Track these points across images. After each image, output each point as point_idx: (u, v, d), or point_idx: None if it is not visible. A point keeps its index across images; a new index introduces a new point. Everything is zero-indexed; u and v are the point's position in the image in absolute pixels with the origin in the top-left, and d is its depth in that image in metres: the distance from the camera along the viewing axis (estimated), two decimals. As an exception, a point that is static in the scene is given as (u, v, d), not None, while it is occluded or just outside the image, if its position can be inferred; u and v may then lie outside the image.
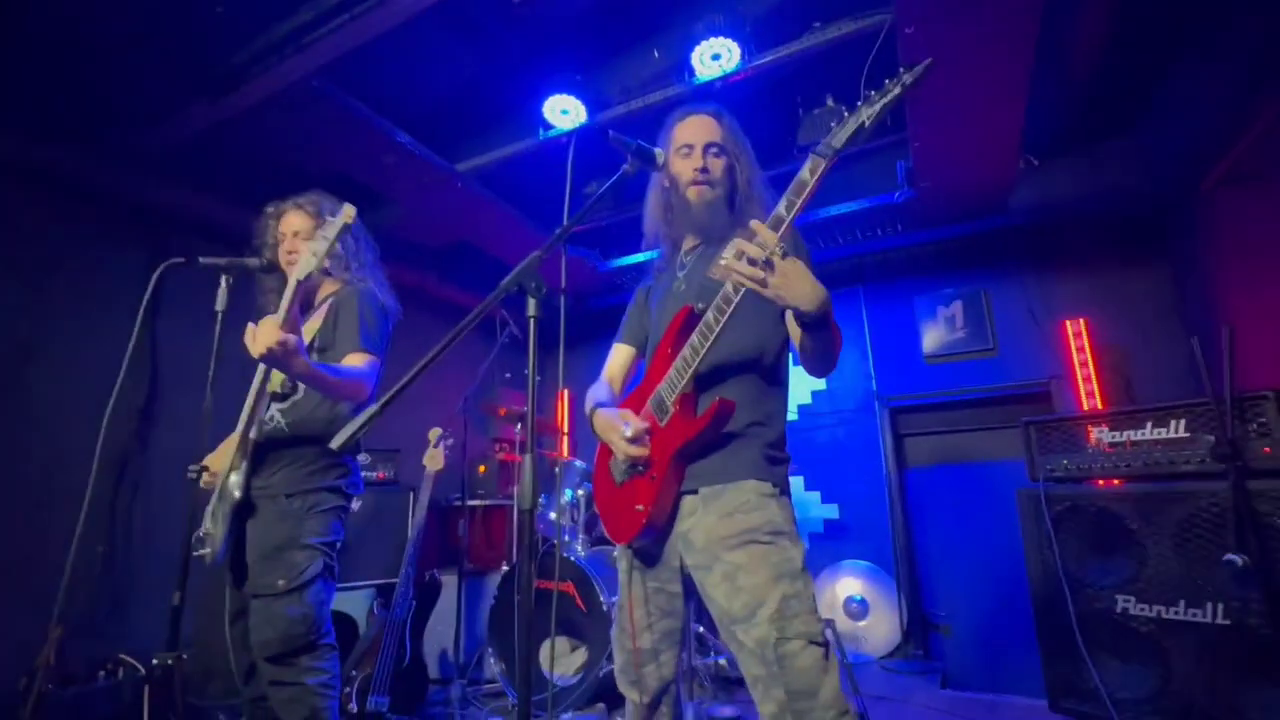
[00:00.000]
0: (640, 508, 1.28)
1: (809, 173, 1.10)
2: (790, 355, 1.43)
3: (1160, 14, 2.49)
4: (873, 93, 1.09)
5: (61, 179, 2.62)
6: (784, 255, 1.07)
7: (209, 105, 2.48)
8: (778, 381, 1.39)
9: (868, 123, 1.09)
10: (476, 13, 2.51)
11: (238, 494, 1.73)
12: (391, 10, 2.08)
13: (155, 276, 1.77)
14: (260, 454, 1.78)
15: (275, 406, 1.83)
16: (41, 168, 2.55)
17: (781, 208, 1.12)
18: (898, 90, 1.07)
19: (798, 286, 1.08)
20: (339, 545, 1.84)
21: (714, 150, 1.46)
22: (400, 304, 2.03)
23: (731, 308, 1.18)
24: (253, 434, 1.77)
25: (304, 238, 1.86)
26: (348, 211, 1.50)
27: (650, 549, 1.35)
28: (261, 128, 2.64)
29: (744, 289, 1.12)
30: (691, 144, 1.45)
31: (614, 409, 1.39)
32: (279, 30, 2.20)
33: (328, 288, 1.97)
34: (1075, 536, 2.20)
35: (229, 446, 1.94)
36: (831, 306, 1.12)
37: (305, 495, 1.76)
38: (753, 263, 1.06)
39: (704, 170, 1.43)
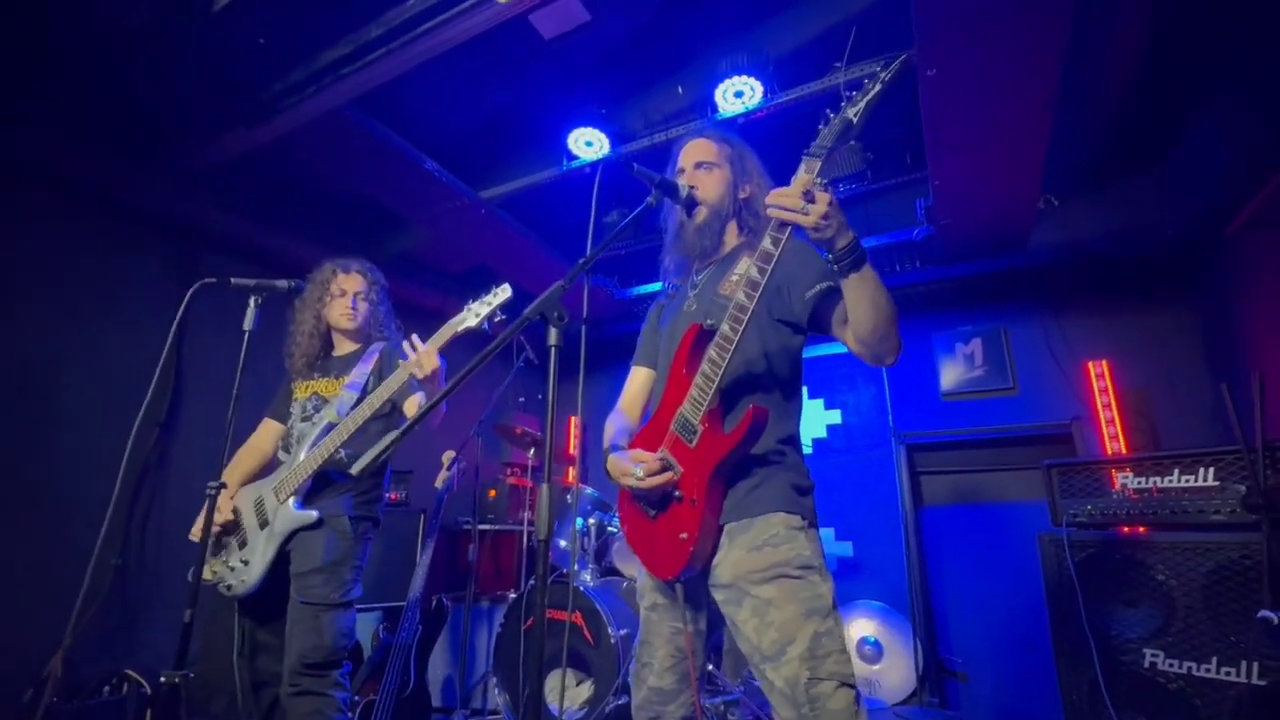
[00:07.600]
0: (684, 536, 1.22)
1: (806, 172, 1.15)
2: (802, 380, 1.42)
3: (1186, 54, 2.50)
4: (854, 93, 1.16)
5: (100, 192, 2.69)
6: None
7: (246, 131, 2.56)
8: (795, 396, 1.38)
9: (855, 119, 1.15)
10: (507, 46, 2.58)
11: (308, 516, 1.84)
12: (429, 44, 2.16)
13: (189, 295, 1.82)
14: (319, 482, 1.91)
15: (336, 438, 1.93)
16: (81, 180, 2.62)
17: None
18: (878, 88, 1.14)
19: (837, 217, 1.11)
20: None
21: (704, 167, 1.48)
22: (421, 327, 2.14)
23: (747, 315, 1.16)
24: (320, 465, 1.87)
25: (362, 298, 2.14)
26: (506, 289, 1.75)
27: (673, 588, 1.32)
28: (295, 153, 2.73)
29: (757, 297, 1.16)
30: (684, 167, 1.51)
31: (624, 453, 1.34)
32: (318, 61, 2.29)
33: (362, 338, 2.17)
34: (1100, 585, 2.13)
35: (240, 473, 2.00)
36: (864, 252, 1.13)
37: (360, 521, 1.92)
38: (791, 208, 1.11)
39: (691, 188, 1.44)
